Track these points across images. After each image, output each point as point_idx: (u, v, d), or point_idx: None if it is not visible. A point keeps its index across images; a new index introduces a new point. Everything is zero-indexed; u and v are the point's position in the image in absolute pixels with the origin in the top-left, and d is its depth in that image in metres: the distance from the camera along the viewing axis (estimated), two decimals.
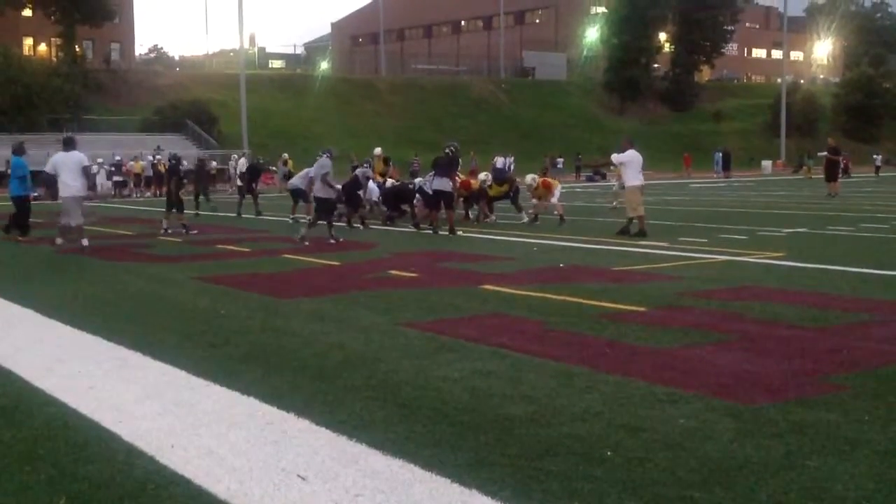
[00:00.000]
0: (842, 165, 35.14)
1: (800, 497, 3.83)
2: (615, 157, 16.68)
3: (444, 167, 17.42)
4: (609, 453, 4.42)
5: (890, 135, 79.76)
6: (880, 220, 19.05)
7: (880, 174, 52.95)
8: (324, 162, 15.47)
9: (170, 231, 18.12)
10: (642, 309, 8.55)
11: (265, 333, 7.62)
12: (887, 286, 10.04)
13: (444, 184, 17.26)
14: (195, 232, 18.10)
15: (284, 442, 4.66)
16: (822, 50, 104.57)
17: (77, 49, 61.65)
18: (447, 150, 17.76)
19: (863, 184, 41.67)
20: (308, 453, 4.47)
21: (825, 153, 31.53)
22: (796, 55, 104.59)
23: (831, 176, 30.02)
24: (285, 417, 5.09)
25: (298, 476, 4.16)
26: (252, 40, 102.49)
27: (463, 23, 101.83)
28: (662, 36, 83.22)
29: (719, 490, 3.92)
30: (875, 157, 57.75)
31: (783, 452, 4.40)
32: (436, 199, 17.55)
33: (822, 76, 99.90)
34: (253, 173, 24.93)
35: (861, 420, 4.91)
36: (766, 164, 62.88)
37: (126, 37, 76.63)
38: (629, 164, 16.31)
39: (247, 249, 14.93)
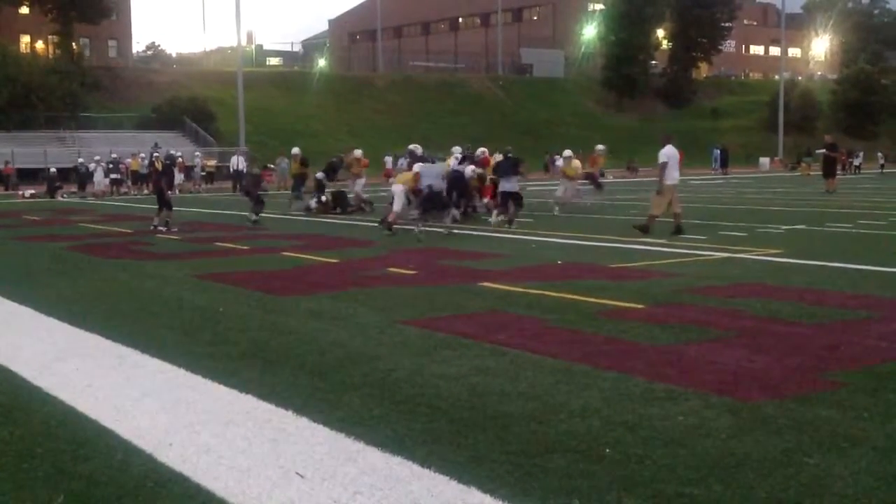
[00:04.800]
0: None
1: (798, 494, 3.83)
2: (660, 155, 16.07)
3: (509, 168, 18.14)
4: (608, 450, 4.42)
5: (888, 132, 79.75)
6: (878, 217, 19.06)
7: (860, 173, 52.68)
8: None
9: (160, 228, 18.26)
10: (640, 306, 8.55)
11: (264, 331, 7.61)
12: (885, 283, 10.05)
13: (512, 185, 18.06)
14: (175, 229, 18.15)
15: (282, 439, 4.66)
16: (820, 47, 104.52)
17: (74, 46, 61.56)
18: (507, 154, 18.96)
19: (861, 180, 41.71)
20: (306, 451, 4.47)
21: (823, 150, 31.56)
22: (794, 52, 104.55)
23: (829, 172, 30.06)
24: (283, 415, 5.09)
25: (296, 473, 4.16)
26: (250, 38, 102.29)
27: (460, 20, 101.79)
28: (660, 33, 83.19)
29: (718, 487, 3.92)
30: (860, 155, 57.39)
31: (781, 449, 4.40)
32: (504, 200, 18.31)
33: (819, 73, 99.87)
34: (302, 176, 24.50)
35: (859, 417, 4.91)
36: (764, 160, 62.88)
37: (123, 34, 76.48)
38: (669, 159, 15.88)
39: (245, 247, 14.91)
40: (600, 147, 25.61)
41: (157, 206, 18.92)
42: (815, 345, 6.80)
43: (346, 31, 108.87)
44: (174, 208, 19.55)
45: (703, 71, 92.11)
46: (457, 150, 21.62)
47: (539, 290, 9.59)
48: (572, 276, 10.86)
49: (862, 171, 52.82)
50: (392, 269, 11.61)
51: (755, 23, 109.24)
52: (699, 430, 4.71)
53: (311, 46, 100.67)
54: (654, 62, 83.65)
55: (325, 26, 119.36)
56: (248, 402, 5.40)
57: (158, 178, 19.33)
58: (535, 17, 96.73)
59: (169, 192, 18.95)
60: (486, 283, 10.15)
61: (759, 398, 5.30)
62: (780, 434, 4.63)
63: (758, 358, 6.34)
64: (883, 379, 5.72)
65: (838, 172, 33.66)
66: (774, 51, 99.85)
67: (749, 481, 3.98)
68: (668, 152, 15.92)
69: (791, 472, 4.09)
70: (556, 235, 15.83)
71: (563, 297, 9.05)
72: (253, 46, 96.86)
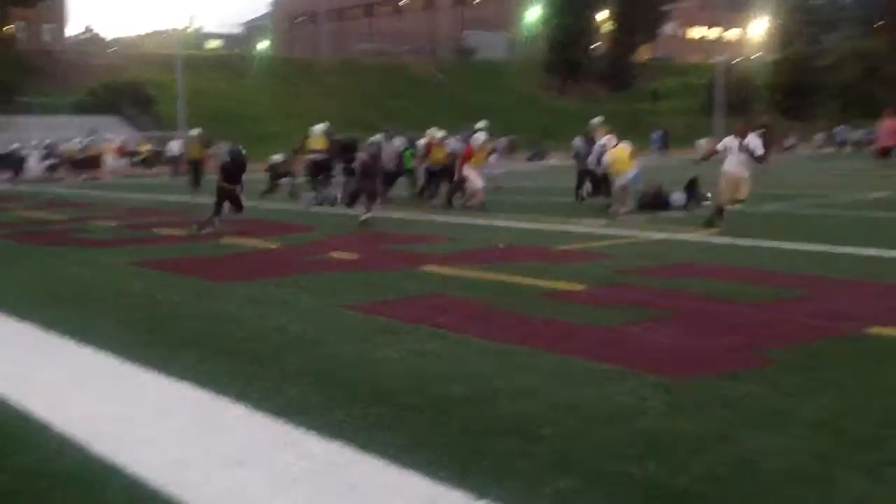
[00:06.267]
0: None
1: (731, 469, 3.90)
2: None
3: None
4: (546, 431, 4.45)
5: (825, 113, 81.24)
6: (813, 196, 19.45)
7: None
8: None
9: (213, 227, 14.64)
10: (581, 287, 8.62)
11: (202, 318, 7.53)
12: (818, 261, 10.26)
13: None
14: (209, 230, 14.51)
15: (221, 428, 4.62)
16: (758, 29, 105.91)
17: (9, 30, 59.95)
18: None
19: (797, 161, 42.48)
20: (245, 439, 4.43)
21: (758, 131, 32.00)
22: (732, 34, 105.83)
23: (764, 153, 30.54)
24: (222, 403, 5.04)
25: (235, 461, 4.12)
26: (190, 20, 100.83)
27: (403, 2, 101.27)
28: (602, 16, 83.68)
29: (653, 464, 3.97)
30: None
31: (715, 426, 4.47)
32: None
33: (757, 55, 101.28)
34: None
35: (791, 393, 5.02)
36: (702, 142, 63.69)
37: (59, 18, 74.69)
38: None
39: (184, 233, 14.71)
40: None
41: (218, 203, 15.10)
42: (749, 323, 6.92)
43: (288, 14, 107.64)
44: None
45: (643, 53, 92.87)
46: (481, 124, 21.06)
47: (481, 273, 9.62)
48: (514, 258, 10.91)
49: (797, 152, 53.85)
50: (334, 254, 11.54)
51: (694, 6, 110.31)
52: (636, 409, 4.77)
53: (253, 29, 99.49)
54: (595, 45, 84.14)
55: (266, 8, 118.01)
56: (186, 390, 5.34)
57: (228, 175, 15.08)
58: (479, 0, 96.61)
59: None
60: (428, 267, 10.15)
61: (694, 376, 5.39)
62: (715, 411, 4.71)
63: (694, 337, 6.45)
64: (814, 356, 5.85)
65: (773, 153, 34.18)
66: (714, 33, 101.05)
67: (684, 458, 4.04)
68: (724, 142, 14.53)
69: (723, 448, 4.17)
70: (498, 218, 15.87)
71: (505, 280, 9.09)
72: (193, 29, 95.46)
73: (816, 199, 19.09)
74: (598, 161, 17.55)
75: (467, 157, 18.14)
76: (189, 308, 7.99)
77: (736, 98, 74.98)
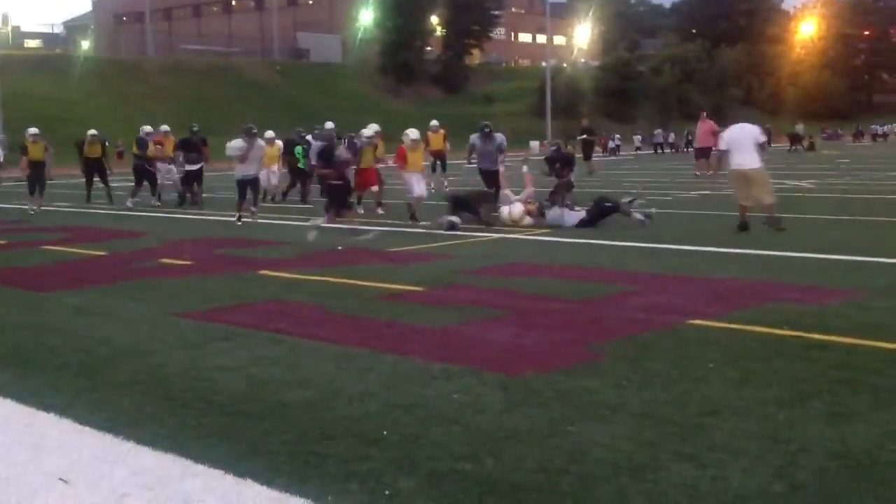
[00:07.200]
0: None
1: (563, 462, 4.02)
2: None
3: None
4: (385, 432, 4.47)
5: (645, 115, 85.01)
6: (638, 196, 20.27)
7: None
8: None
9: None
10: (419, 288, 8.70)
11: (23, 330, 7.14)
12: (643, 258, 10.73)
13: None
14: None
15: (44, 444, 4.40)
16: (584, 35, 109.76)
17: None
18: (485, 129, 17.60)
19: (620, 162, 44.30)
20: (71, 455, 4.24)
21: (583, 135, 33.16)
22: (560, 40, 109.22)
23: (588, 155, 31.69)
24: (45, 418, 4.80)
25: (60, 479, 3.93)
26: (5, 19, 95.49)
27: (234, 2, 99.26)
28: (434, 20, 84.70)
29: (489, 460, 4.05)
30: (636, 137, 61.75)
31: (548, 420, 4.60)
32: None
33: (583, 60, 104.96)
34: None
35: (619, 385, 5.22)
36: (534, 143, 65.54)
37: None
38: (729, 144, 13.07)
39: (1, 241, 13.92)
40: None
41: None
42: (580, 319, 7.17)
43: (111, 13, 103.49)
44: None
45: (475, 57, 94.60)
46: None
47: (319, 276, 9.56)
48: (353, 261, 10.89)
49: (620, 153, 56.28)
50: (165, 261, 11.20)
51: (523, 11, 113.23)
52: (473, 407, 4.85)
53: (74, 28, 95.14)
54: (429, 48, 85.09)
55: (88, 7, 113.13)
56: (6, 406, 5.06)
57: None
58: (311, 2, 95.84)
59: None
60: (265, 272, 10.00)
61: (528, 372, 5.52)
62: (547, 405, 4.85)
63: (528, 334, 6.61)
64: (641, 348, 6.11)
65: (597, 155, 35.55)
66: (541, 38, 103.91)
67: (518, 453, 4.14)
68: (728, 136, 13.10)
69: (556, 441, 4.29)
70: (337, 221, 15.75)
71: (344, 283, 9.07)
72: (9, 28, 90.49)
73: (640, 197, 19.90)
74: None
75: (400, 158, 16.29)
76: (8, 320, 7.56)
77: (565, 101, 77.56)
